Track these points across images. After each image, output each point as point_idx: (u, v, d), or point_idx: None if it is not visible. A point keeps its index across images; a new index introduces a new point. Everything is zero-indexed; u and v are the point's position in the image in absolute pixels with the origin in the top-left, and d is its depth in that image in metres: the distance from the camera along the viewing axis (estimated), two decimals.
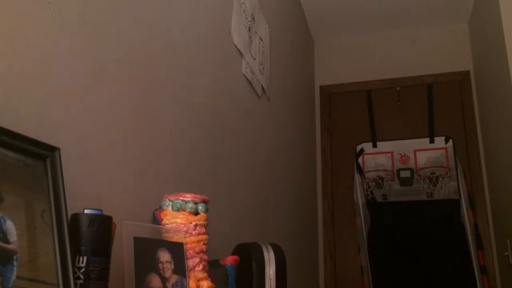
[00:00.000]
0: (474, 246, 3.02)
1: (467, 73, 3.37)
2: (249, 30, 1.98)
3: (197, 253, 0.92)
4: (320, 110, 3.61)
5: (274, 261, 1.26)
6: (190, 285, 0.87)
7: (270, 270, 1.25)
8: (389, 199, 3.30)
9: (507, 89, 2.42)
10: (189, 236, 0.92)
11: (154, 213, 1.04)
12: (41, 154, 0.67)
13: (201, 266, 0.92)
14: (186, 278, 0.86)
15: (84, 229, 0.69)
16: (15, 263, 0.57)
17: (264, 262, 1.25)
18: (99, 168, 0.95)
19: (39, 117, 0.80)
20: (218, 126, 1.62)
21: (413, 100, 3.43)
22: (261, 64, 2.16)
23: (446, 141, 3.29)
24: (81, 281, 0.67)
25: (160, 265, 0.82)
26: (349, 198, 3.36)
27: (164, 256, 0.84)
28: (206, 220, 0.95)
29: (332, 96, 3.63)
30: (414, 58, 3.49)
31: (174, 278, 0.84)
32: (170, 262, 0.84)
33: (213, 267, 1.01)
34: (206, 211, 0.95)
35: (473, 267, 2.98)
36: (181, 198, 0.93)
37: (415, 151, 3.33)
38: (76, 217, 0.70)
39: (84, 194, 0.87)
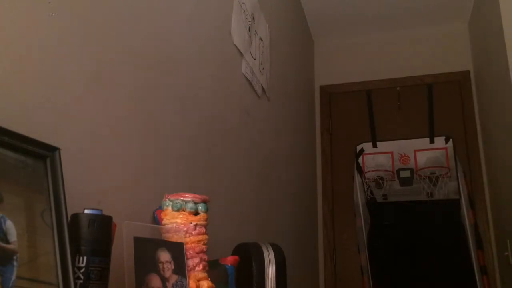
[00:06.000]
0: (474, 246, 3.02)
1: (467, 73, 3.37)
2: (249, 30, 1.98)
3: (197, 253, 0.92)
4: (320, 110, 3.61)
5: (274, 261, 1.26)
6: (190, 285, 0.87)
7: (270, 270, 1.25)
8: (389, 199, 3.30)
9: (507, 89, 2.42)
10: (189, 236, 0.92)
11: (154, 213, 1.04)
12: (41, 154, 0.67)
13: (201, 266, 0.92)
14: (186, 278, 0.86)
15: (84, 229, 0.69)
16: (15, 263, 0.57)
17: (264, 262, 1.25)
18: (99, 168, 0.95)
19: (39, 117, 0.80)
20: (218, 126, 1.62)
21: (413, 100, 3.43)
22: (261, 64, 2.16)
23: (446, 141, 3.29)
24: (81, 281, 0.67)
25: (160, 265, 0.82)
26: (349, 198, 3.36)
27: (164, 256, 0.84)
28: (206, 220, 0.95)
29: (332, 96, 3.63)
30: (414, 58, 3.49)
31: (174, 278, 0.84)
32: (170, 262, 0.84)
33: (213, 267, 1.01)
34: (206, 211, 0.95)
35: (473, 267, 2.98)
36: (181, 198, 0.93)
37: (415, 151, 3.33)
38: (76, 217, 0.70)
39: (84, 194, 0.87)
